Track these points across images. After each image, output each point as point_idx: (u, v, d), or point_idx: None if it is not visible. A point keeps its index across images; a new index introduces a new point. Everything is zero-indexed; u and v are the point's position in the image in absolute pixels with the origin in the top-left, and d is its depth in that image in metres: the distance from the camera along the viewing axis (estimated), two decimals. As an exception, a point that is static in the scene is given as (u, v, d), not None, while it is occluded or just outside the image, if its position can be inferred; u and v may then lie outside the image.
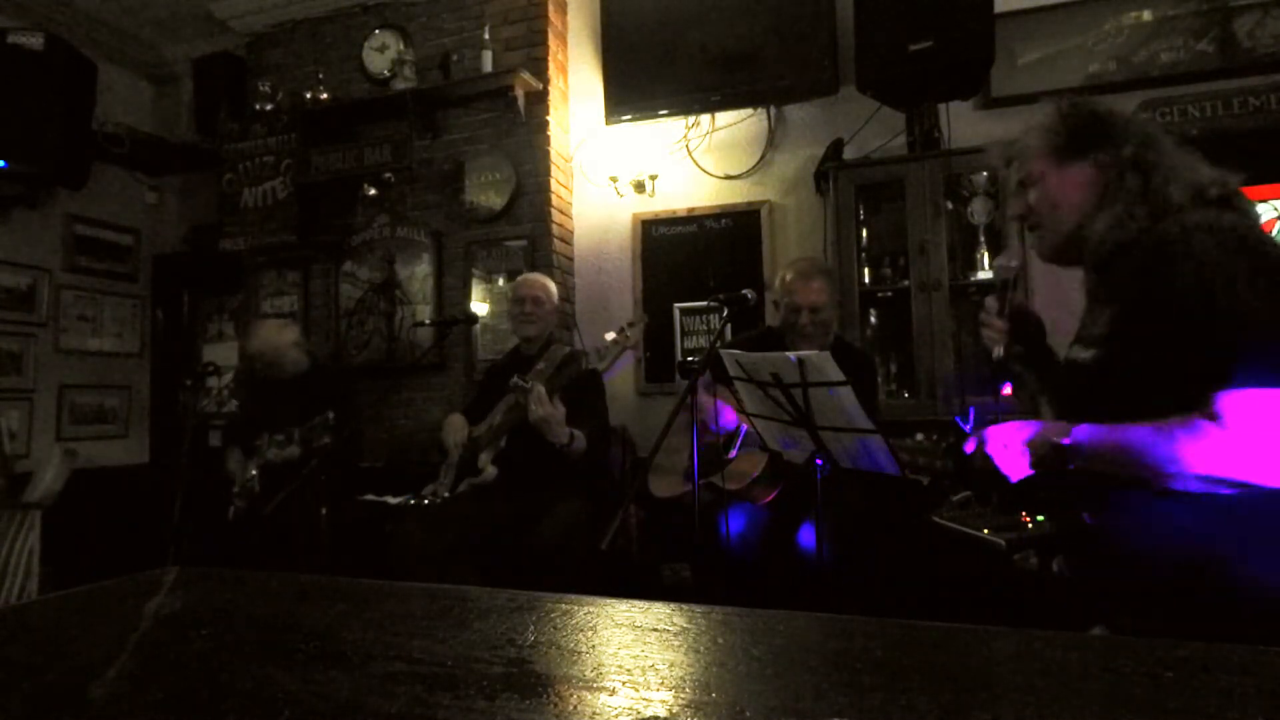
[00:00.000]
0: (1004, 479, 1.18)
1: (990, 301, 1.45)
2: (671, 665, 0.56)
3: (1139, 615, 1.10)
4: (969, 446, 1.21)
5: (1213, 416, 0.98)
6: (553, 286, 2.90)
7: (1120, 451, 1.07)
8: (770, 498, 2.35)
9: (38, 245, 4.16)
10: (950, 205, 2.96)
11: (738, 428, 2.43)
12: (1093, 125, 1.24)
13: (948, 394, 2.82)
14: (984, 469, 1.19)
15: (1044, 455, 1.14)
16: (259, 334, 3.33)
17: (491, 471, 2.60)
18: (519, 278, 3.00)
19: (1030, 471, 1.15)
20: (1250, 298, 0.99)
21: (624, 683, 0.53)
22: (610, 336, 2.47)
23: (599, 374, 2.64)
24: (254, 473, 3.03)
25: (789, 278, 2.43)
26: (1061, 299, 1.51)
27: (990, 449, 1.18)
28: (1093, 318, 1.22)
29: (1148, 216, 1.14)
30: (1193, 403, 1.01)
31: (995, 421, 1.22)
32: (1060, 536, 1.61)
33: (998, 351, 1.42)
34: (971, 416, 1.37)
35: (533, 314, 2.80)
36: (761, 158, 3.53)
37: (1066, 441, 1.11)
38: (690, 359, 3.48)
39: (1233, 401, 0.97)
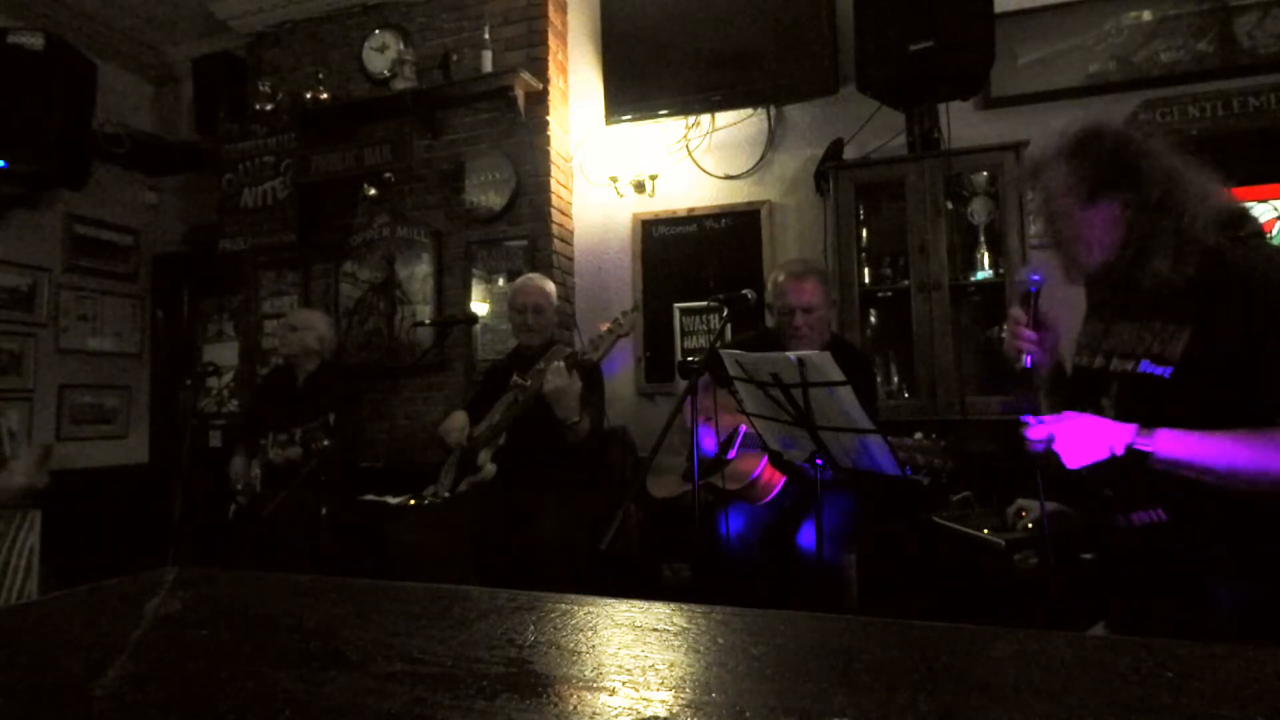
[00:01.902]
0: (1058, 467, 1.24)
1: (1018, 312, 1.47)
2: (671, 665, 0.56)
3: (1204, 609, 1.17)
4: (1035, 433, 1.26)
5: None
6: (551, 288, 2.88)
7: (1207, 457, 1.14)
8: (771, 495, 2.35)
9: (38, 245, 4.16)
10: (950, 205, 2.96)
11: (735, 430, 2.44)
12: (1119, 167, 1.30)
13: (948, 394, 2.82)
14: (1042, 456, 1.25)
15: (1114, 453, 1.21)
16: (305, 312, 3.42)
17: (491, 469, 2.60)
18: (516, 283, 2.94)
19: (1088, 461, 1.22)
20: None
21: (624, 683, 0.53)
22: (605, 326, 2.46)
23: (597, 366, 2.63)
24: (257, 472, 3.04)
25: (780, 279, 2.43)
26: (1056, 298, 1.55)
27: (1061, 440, 1.24)
28: (1140, 334, 1.29)
29: (1196, 253, 1.24)
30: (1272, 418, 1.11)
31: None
32: (1091, 532, 1.63)
33: (1026, 361, 1.44)
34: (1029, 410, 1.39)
35: (533, 324, 2.79)
36: (761, 158, 3.53)
37: (1145, 445, 1.18)
38: (690, 359, 3.48)
39: None
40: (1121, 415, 1.25)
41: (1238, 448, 1.13)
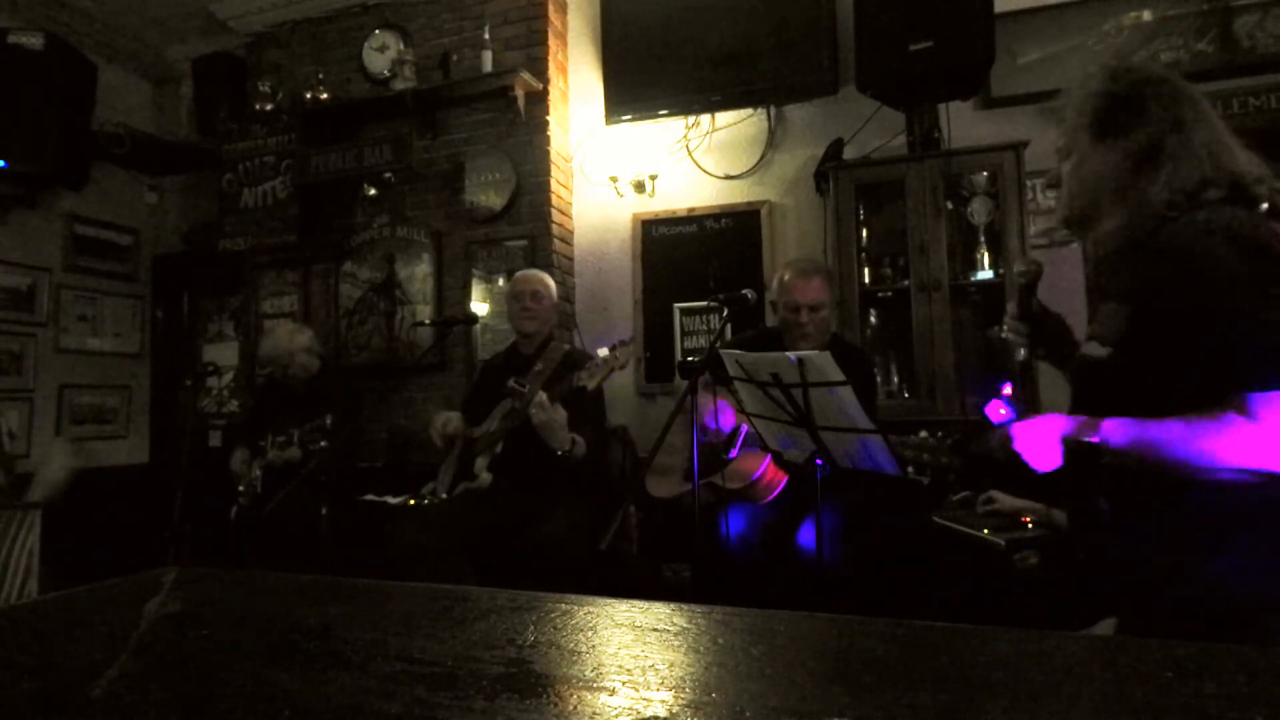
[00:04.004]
0: (1028, 471, 1.19)
1: (1011, 306, 1.46)
2: (671, 665, 0.56)
3: (1147, 608, 1.11)
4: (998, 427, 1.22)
5: (1243, 411, 1.01)
6: (551, 282, 2.88)
7: (1151, 447, 1.09)
8: (773, 495, 2.35)
9: (38, 245, 4.17)
10: (950, 205, 2.96)
11: (737, 427, 2.43)
12: (1130, 105, 1.19)
13: (948, 394, 2.82)
14: (1007, 461, 1.20)
15: (1075, 450, 1.16)
16: (271, 338, 3.36)
17: (486, 478, 2.58)
18: (517, 274, 2.95)
19: (1059, 464, 1.16)
20: (1254, 303, 1.02)
21: (624, 683, 0.53)
22: (603, 354, 2.45)
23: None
24: (258, 473, 3.04)
25: (787, 277, 2.43)
26: (1058, 296, 1.53)
27: (1019, 443, 1.19)
28: (1105, 315, 1.22)
29: (1151, 217, 1.15)
30: (1212, 400, 1.04)
31: (1023, 416, 1.23)
32: (1076, 526, 1.61)
33: (1021, 354, 1.43)
34: (1002, 408, 1.37)
35: (533, 309, 2.77)
36: (761, 158, 3.53)
37: (1096, 438, 1.13)
38: (690, 359, 3.48)
39: (1267, 401, 1.00)
40: (1076, 405, 1.21)
41: (1178, 434, 1.05)
